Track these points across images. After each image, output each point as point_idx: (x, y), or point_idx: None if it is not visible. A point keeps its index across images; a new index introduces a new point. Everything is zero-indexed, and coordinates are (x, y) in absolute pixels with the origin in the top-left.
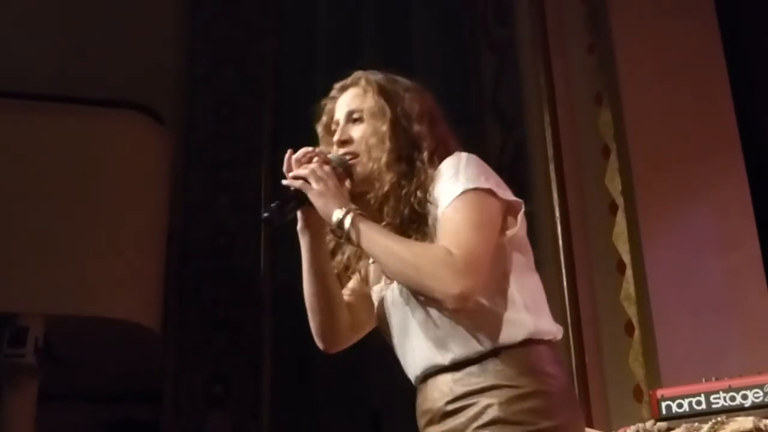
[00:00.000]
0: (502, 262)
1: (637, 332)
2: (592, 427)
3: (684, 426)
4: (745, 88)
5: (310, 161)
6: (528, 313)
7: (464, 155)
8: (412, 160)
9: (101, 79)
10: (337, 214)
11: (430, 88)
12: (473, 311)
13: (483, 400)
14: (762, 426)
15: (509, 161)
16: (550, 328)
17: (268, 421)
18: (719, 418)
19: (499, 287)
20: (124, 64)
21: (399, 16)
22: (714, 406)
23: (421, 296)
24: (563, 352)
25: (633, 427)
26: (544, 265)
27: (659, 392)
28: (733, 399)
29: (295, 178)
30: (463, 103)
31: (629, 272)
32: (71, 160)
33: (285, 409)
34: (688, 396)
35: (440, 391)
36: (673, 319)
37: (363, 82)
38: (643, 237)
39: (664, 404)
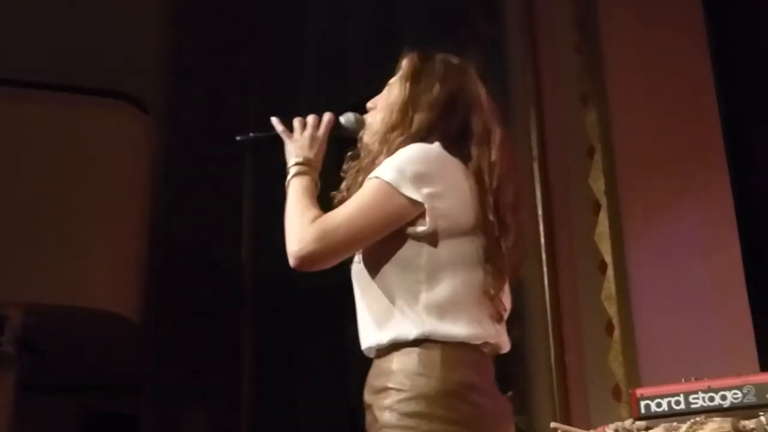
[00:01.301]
0: (409, 257)
1: (617, 332)
2: (571, 425)
3: (662, 426)
4: (731, 90)
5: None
6: (427, 312)
7: (414, 146)
8: (393, 139)
9: (86, 68)
10: (289, 160)
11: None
12: (378, 301)
13: (378, 402)
14: (740, 427)
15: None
16: (456, 332)
17: (248, 415)
18: (698, 419)
19: (402, 282)
20: (110, 53)
21: (388, 14)
22: (693, 406)
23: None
24: (543, 350)
25: (612, 426)
26: (525, 266)
27: (638, 391)
28: (712, 399)
29: (279, 124)
30: None
31: (611, 272)
32: (53, 149)
33: (266, 402)
34: (667, 396)
35: (368, 376)
36: (654, 319)
37: (402, 64)
38: (626, 237)
39: (643, 403)
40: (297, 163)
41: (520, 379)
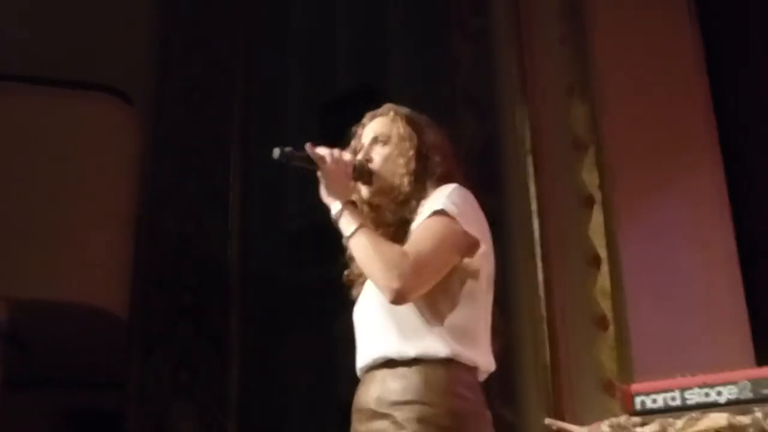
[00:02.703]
0: (447, 283)
1: (611, 327)
2: (562, 420)
3: (658, 421)
4: (723, 79)
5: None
6: (451, 334)
7: (457, 186)
8: (423, 181)
9: (71, 61)
10: (335, 198)
11: (405, 76)
12: (406, 314)
13: (403, 414)
14: (736, 422)
15: (480, 151)
16: (475, 357)
17: (235, 410)
18: (694, 415)
19: (431, 301)
20: (94, 45)
21: (373, 5)
22: (688, 402)
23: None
24: (535, 344)
25: (606, 422)
26: (520, 260)
27: (633, 387)
28: (707, 395)
29: (314, 153)
30: (434, 90)
31: (605, 266)
32: (37, 141)
33: (252, 398)
34: (662, 391)
35: (375, 386)
36: (648, 313)
37: (392, 113)
38: (619, 231)
39: (638, 399)
40: (348, 202)
41: (512, 373)
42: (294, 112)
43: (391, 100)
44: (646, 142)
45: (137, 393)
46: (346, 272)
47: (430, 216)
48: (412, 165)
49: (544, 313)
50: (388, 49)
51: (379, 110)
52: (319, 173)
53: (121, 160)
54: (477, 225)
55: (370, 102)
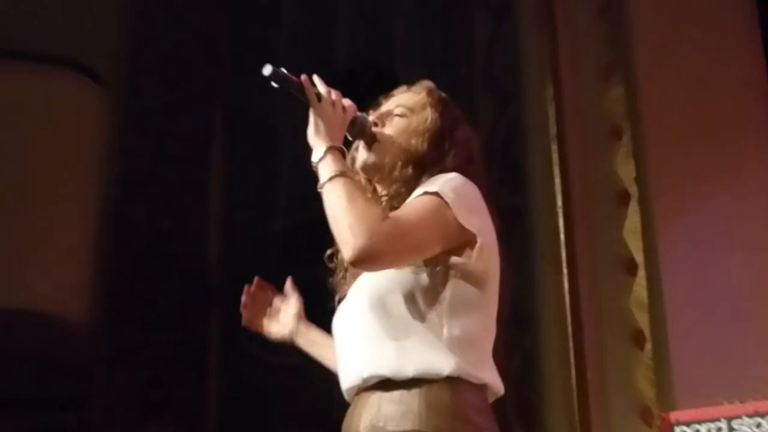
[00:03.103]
0: (434, 285)
1: (648, 344)
2: None
3: None
4: None
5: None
6: (450, 348)
7: (458, 175)
8: (423, 169)
9: (29, 31)
10: (321, 141)
11: (414, 54)
12: (399, 327)
13: None
14: None
15: (502, 141)
16: (482, 375)
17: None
18: None
19: (425, 311)
20: (56, 13)
21: None
22: None
23: (372, 303)
24: (561, 364)
25: None
26: (542, 265)
27: (673, 415)
28: (759, 426)
29: (311, 86)
30: (449, 72)
31: (641, 273)
32: None
33: (234, 419)
34: (706, 421)
35: (368, 412)
36: (691, 329)
37: (425, 92)
38: (659, 233)
39: (678, 430)
40: (334, 147)
41: (533, 396)
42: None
43: (398, 83)
44: (691, 131)
45: (102, 414)
46: (330, 263)
47: (421, 195)
48: (424, 148)
49: (570, 327)
50: (395, 23)
51: (415, 85)
52: (311, 112)
53: (86, 146)
54: (474, 219)
55: (373, 85)
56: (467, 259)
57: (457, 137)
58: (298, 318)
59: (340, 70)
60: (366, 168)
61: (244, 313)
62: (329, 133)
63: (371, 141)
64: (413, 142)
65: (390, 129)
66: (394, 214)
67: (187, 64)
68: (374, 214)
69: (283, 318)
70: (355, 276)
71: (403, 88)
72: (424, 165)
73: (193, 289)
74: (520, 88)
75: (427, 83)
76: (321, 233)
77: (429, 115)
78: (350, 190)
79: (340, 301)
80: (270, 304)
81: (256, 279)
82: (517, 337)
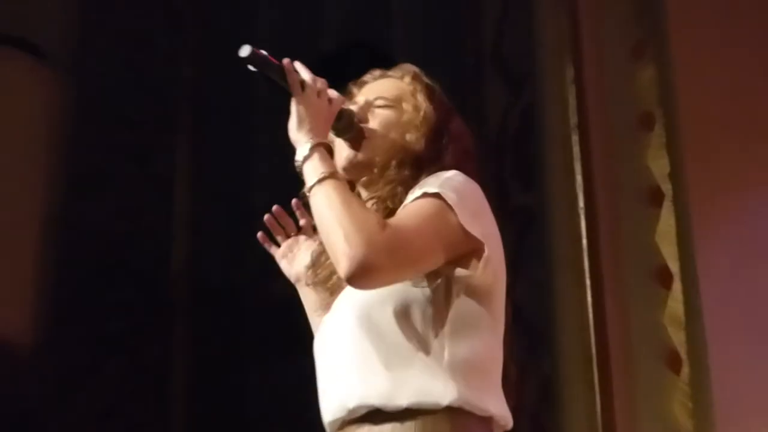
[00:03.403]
0: (436, 301)
1: (685, 368)
2: None
3: None
4: None
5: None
6: (452, 373)
7: (458, 173)
8: (420, 168)
9: None
10: (306, 136)
11: (412, 31)
12: (392, 349)
13: None
14: None
15: (515, 131)
16: (487, 404)
17: None
18: None
19: (422, 331)
20: None
21: None
22: None
23: (360, 321)
24: (584, 391)
25: None
26: (561, 275)
27: None
28: None
29: (294, 72)
30: (453, 51)
31: (677, 285)
32: None
33: None
34: None
35: None
36: (734, 350)
37: (409, 77)
38: (697, 238)
39: None
40: (321, 144)
41: (552, 429)
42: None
43: (394, 63)
44: (734, 119)
45: None
46: (308, 272)
47: (420, 197)
48: (422, 144)
49: (594, 348)
50: None
51: (392, 70)
52: (293, 101)
53: (29, 137)
54: (480, 223)
55: (366, 66)
56: (473, 271)
57: (453, 130)
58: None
59: (328, 47)
60: (352, 168)
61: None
62: (314, 127)
63: (359, 137)
64: (408, 137)
65: (376, 123)
66: (392, 221)
67: (148, 41)
68: (372, 222)
69: (297, 258)
70: (339, 289)
71: (377, 73)
72: (422, 163)
73: (155, 303)
74: (536, 69)
75: (409, 67)
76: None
77: (422, 105)
78: (343, 194)
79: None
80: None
81: (275, 208)
82: (532, 361)
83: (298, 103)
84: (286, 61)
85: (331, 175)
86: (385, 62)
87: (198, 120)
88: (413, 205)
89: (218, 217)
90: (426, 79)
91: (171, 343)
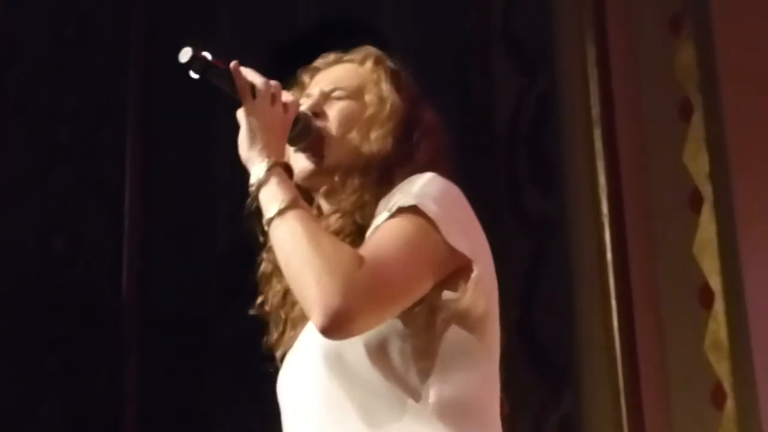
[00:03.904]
0: (423, 331)
1: (730, 403)
2: None
3: None
4: None
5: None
6: (439, 415)
7: (435, 176)
8: (393, 173)
9: None
10: (260, 154)
11: (406, 5)
12: (368, 392)
13: None
14: None
15: (528, 124)
16: None
17: None
18: None
19: (403, 368)
20: None
21: None
22: None
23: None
24: (611, 428)
25: None
26: (583, 295)
27: None
28: None
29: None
30: (453, 29)
31: (719, 305)
32: None
33: None
34: None
35: None
36: None
37: (370, 61)
38: (743, 248)
39: None
40: (276, 161)
41: None
42: (229, 57)
43: (383, 40)
44: None
45: None
46: (264, 303)
47: (395, 214)
48: (389, 142)
49: (621, 380)
50: None
51: (349, 54)
52: (241, 110)
53: None
54: (466, 237)
55: (349, 46)
56: (461, 293)
57: (425, 123)
58: None
59: (304, 21)
60: (309, 178)
61: None
62: (268, 143)
63: (317, 142)
64: (374, 135)
65: (334, 121)
66: (368, 251)
67: (85, 21)
68: (346, 260)
69: None
70: (301, 323)
71: (331, 57)
72: (391, 165)
73: (98, 335)
74: (553, 50)
75: (368, 49)
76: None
77: (387, 94)
78: (309, 227)
79: (282, 359)
80: None
81: None
82: (550, 397)
83: (249, 113)
84: (233, 64)
85: (293, 203)
86: (371, 38)
87: (151, 117)
88: (389, 226)
89: (174, 231)
90: (390, 63)
91: (119, 381)
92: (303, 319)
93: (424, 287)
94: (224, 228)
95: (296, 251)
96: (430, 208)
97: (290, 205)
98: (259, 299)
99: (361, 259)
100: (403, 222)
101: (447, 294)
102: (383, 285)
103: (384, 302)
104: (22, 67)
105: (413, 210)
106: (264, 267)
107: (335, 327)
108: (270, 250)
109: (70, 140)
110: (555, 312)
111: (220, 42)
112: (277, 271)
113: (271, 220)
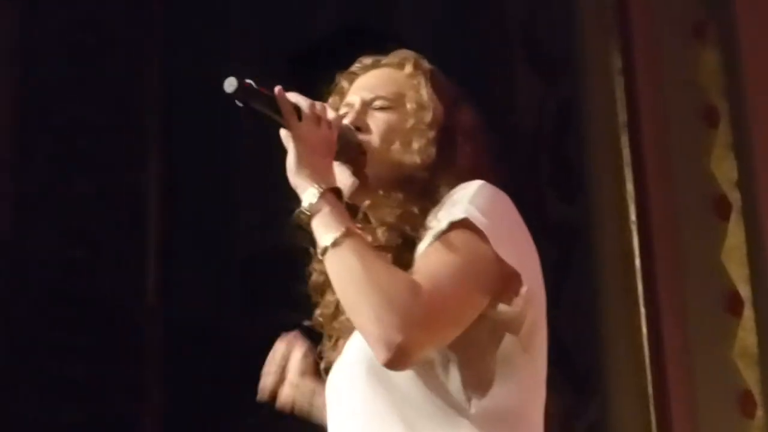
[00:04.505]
0: (471, 341)
1: (760, 412)
2: None
3: None
4: None
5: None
6: (480, 426)
7: (484, 184)
8: (439, 182)
9: None
10: (310, 180)
11: (425, 11)
12: (416, 397)
13: None
14: None
15: (552, 131)
16: None
17: None
18: None
19: (445, 379)
20: None
21: None
22: None
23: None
24: None
25: None
26: (610, 303)
27: None
28: None
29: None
30: (473, 34)
31: (749, 313)
32: None
33: None
34: None
35: None
36: None
37: (409, 65)
38: None
39: None
40: (329, 190)
41: None
42: (249, 64)
43: (400, 45)
44: None
45: None
46: (316, 314)
47: (446, 230)
48: (432, 151)
49: (650, 388)
50: None
51: (387, 57)
52: (286, 134)
53: None
54: (516, 248)
55: (369, 51)
56: (509, 305)
57: (465, 125)
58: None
59: (321, 28)
60: (353, 193)
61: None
62: (317, 168)
63: (360, 155)
64: (416, 146)
65: (377, 132)
66: (424, 277)
67: (104, 30)
68: (403, 290)
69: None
70: (348, 333)
71: (368, 61)
72: (436, 174)
73: (120, 345)
74: (576, 56)
75: (405, 52)
76: (294, 265)
77: (427, 101)
78: (365, 257)
79: (327, 371)
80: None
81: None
82: (578, 403)
83: (296, 138)
84: (277, 89)
85: (348, 232)
86: (389, 44)
87: (170, 123)
88: (441, 245)
89: (197, 243)
90: (427, 65)
91: (141, 392)
92: (352, 329)
93: (481, 306)
94: (245, 236)
95: (353, 284)
96: (480, 220)
97: (344, 235)
98: (317, 311)
99: (418, 288)
100: (455, 240)
101: (504, 307)
102: (442, 314)
103: (443, 330)
104: (42, 78)
105: (464, 223)
106: (315, 278)
107: (399, 361)
108: (320, 261)
109: (92, 150)
110: (581, 319)
111: (238, 51)
112: (328, 282)
113: (325, 249)
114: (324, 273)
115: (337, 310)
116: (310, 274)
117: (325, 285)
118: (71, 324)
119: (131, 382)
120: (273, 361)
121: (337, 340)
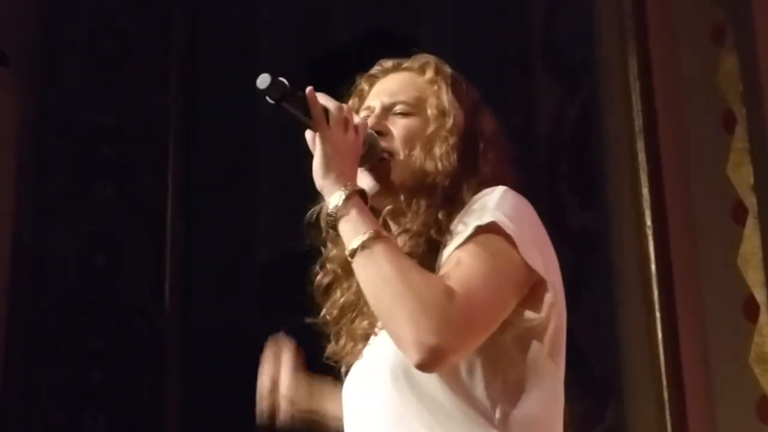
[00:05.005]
0: (498, 348)
1: None
2: None
3: None
4: None
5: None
6: None
7: (507, 190)
8: (461, 187)
9: None
10: (337, 182)
11: (444, 17)
12: (440, 403)
13: None
14: None
15: (570, 136)
16: None
17: None
18: None
19: (470, 384)
20: None
21: None
22: None
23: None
24: None
25: None
26: (627, 307)
27: None
28: None
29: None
30: (492, 41)
31: (765, 318)
32: None
33: None
34: None
35: None
36: None
37: (430, 70)
38: None
39: None
40: (356, 192)
41: None
42: (266, 70)
43: (417, 52)
44: None
45: None
46: (322, 315)
47: (474, 234)
48: (455, 158)
49: (667, 394)
50: None
51: (407, 61)
52: (314, 136)
53: None
54: (540, 252)
55: (389, 55)
56: (534, 311)
57: (487, 130)
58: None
59: (340, 35)
60: (375, 198)
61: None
62: (344, 170)
63: (382, 161)
64: (437, 152)
65: (397, 138)
66: (455, 280)
67: (126, 37)
68: (438, 294)
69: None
70: (363, 339)
71: (389, 64)
72: (458, 180)
73: (140, 350)
74: (594, 61)
75: (426, 56)
76: (314, 269)
77: (448, 107)
78: (396, 259)
79: (346, 373)
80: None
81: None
82: (595, 408)
83: (323, 140)
84: (308, 90)
85: (377, 235)
86: (408, 50)
87: (191, 131)
88: (471, 249)
89: (217, 248)
90: (448, 70)
91: (161, 397)
92: (364, 335)
93: (510, 309)
94: (264, 243)
95: (387, 288)
96: (508, 225)
97: (373, 237)
98: (323, 311)
99: (452, 292)
100: (484, 244)
101: (530, 314)
102: (476, 317)
103: (477, 333)
104: (63, 85)
105: (491, 228)
106: (321, 278)
107: (433, 363)
108: (327, 261)
109: (112, 157)
110: (598, 324)
111: (258, 59)
112: (336, 282)
113: (354, 252)
114: (331, 273)
115: (344, 310)
116: (316, 275)
117: (331, 285)
118: (91, 329)
119: (151, 387)
120: (263, 385)
121: (344, 344)
